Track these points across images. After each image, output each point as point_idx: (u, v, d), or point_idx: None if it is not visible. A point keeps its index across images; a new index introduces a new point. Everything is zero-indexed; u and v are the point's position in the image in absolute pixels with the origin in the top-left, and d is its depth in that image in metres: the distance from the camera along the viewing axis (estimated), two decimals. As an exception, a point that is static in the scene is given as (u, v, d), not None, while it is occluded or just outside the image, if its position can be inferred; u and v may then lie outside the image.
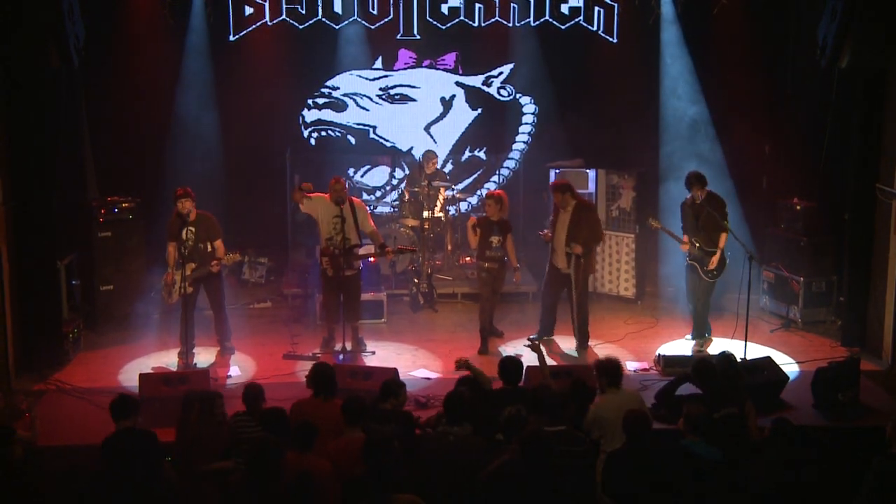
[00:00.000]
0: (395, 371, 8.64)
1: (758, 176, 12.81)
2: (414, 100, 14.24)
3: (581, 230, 9.96)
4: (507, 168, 14.52)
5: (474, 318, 10.71)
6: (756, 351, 9.97)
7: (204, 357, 10.02)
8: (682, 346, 10.42)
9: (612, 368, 7.31)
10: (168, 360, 9.91)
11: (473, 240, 10.24)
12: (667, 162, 12.54)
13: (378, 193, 14.32)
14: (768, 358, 9.22)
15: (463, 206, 13.80)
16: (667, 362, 9.62)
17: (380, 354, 10.19)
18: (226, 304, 10.22)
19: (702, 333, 10.47)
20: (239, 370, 9.71)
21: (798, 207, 11.56)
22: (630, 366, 9.76)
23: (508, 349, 10.43)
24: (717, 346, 10.26)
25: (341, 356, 9.94)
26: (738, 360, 8.71)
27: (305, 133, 14.10)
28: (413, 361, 10.03)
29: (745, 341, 9.62)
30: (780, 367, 9.09)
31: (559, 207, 10.11)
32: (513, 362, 7.57)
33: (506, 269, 10.46)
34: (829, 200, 11.26)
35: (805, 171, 11.76)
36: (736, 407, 7.11)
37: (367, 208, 10.52)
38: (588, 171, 12.48)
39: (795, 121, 12.29)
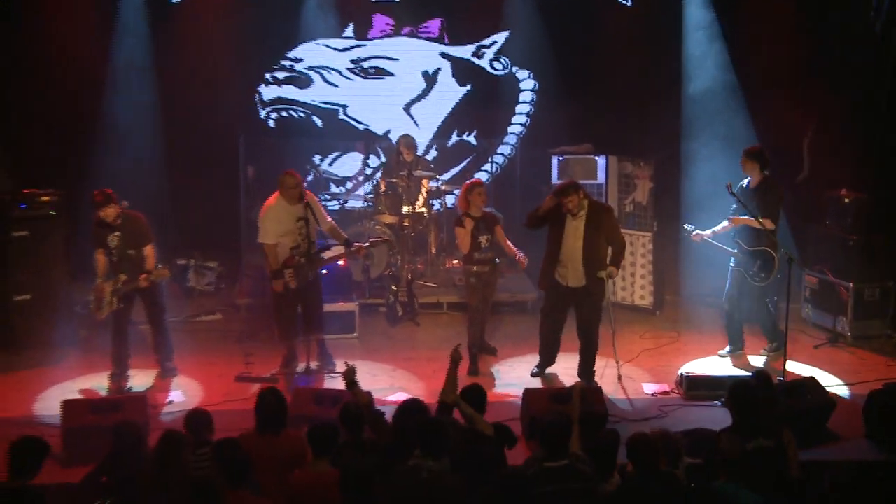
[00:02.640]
0: (368, 395, 8.53)
1: (798, 162, 12.80)
2: (392, 74, 14.21)
3: (601, 239, 9.50)
4: (502, 155, 14.49)
5: (462, 332, 10.60)
6: (797, 370, 9.91)
7: (140, 380, 9.91)
8: (716, 362, 10.40)
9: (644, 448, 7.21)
10: (97, 383, 9.79)
11: (466, 242, 10.12)
12: (690, 147, 12.51)
13: (349, 185, 14.26)
14: (812, 379, 9.18)
15: (449, 199, 13.71)
16: (690, 384, 9.56)
17: (350, 376, 10.08)
18: (166, 317, 10.12)
19: (774, 339, 10.45)
20: (182, 395, 9.61)
21: (846, 200, 11.53)
22: (647, 388, 9.72)
23: (504, 369, 10.34)
24: (747, 362, 10.24)
25: (305, 378, 9.85)
26: (776, 381, 8.66)
27: (263, 113, 14.05)
28: (390, 384, 9.94)
29: (784, 359, 9.57)
30: (826, 389, 9.04)
31: (569, 212, 9.49)
32: (474, 392, 7.49)
33: (498, 274, 10.38)
34: (883, 191, 11.26)
35: (855, 155, 11.76)
36: (772, 439, 7.02)
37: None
38: (598, 158, 12.45)
39: (843, 96, 12.27)
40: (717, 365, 10.36)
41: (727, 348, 10.62)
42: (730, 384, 7.44)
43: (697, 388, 9.50)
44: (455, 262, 12.98)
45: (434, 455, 6.42)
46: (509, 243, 10.34)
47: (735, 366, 10.30)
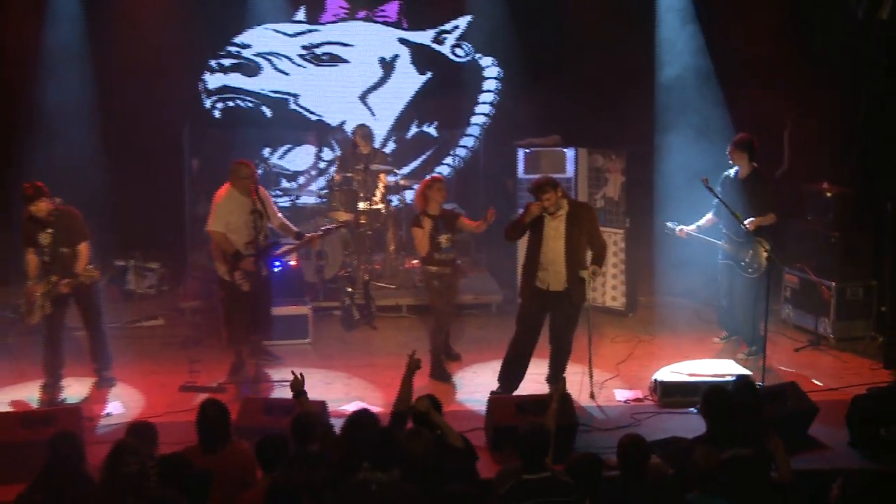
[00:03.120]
0: (322, 405, 8.50)
1: (778, 155, 12.87)
2: (346, 61, 14.18)
3: (582, 239, 9.38)
4: (465, 147, 14.50)
5: (423, 336, 10.58)
6: (777, 375, 9.96)
7: (75, 390, 9.80)
8: (693, 366, 10.43)
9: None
10: (28, 394, 9.68)
11: (424, 244, 10.07)
12: (664, 139, 12.55)
13: (301, 180, 14.21)
14: (792, 384, 9.21)
15: (408, 195, 13.67)
16: (665, 391, 9.59)
17: (305, 383, 10.00)
18: (103, 321, 10.02)
19: (753, 341, 10.56)
20: (121, 406, 9.51)
21: (828, 194, 11.60)
22: (619, 395, 9.72)
23: (467, 375, 10.32)
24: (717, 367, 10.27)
25: (254, 386, 9.79)
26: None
27: (208, 103, 13.98)
28: (346, 392, 9.89)
29: (764, 362, 9.62)
30: (807, 395, 9.09)
31: (545, 211, 9.31)
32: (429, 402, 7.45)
33: (460, 274, 10.34)
34: (867, 185, 11.33)
35: (837, 148, 11.83)
36: (750, 447, 7.05)
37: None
38: (566, 150, 12.46)
39: (824, 86, 12.36)
40: (693, 370, 10.38)
41: (724, 335, 10.96)
42: (704, 389, 7.48)
43: (672, 394, 9.52)
44: (415, 261, 12.93)
45: (383, 467, 6.41)
46: (474, 225, 10.29)
47: (716, 370, 10.31)
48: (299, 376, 7.63)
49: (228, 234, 9.79)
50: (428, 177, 10.40)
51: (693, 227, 10.65)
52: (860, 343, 11.24)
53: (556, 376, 9.46)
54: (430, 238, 10.00)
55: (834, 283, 11.27)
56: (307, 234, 10.19)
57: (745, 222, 10.11)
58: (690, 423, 8.44)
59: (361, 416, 7.12)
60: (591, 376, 9.74)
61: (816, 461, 8.36)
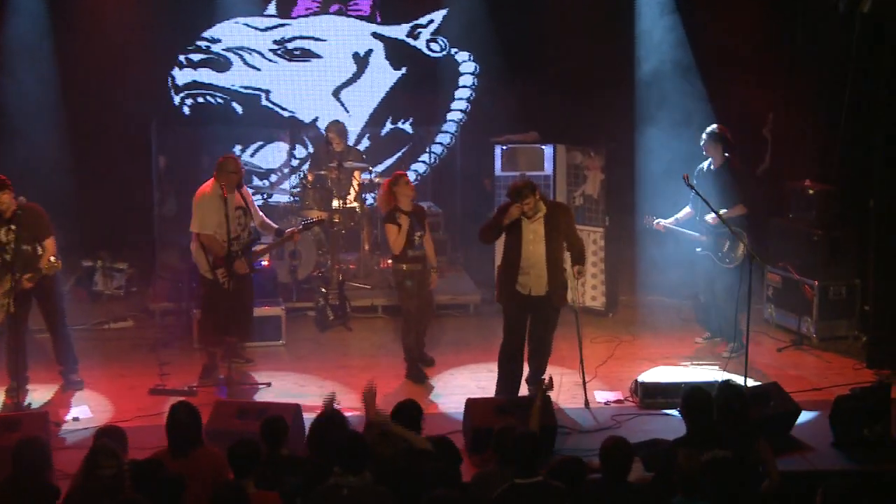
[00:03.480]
0: (296, 408, 8.50)
1: (759, 151, 12.93)
2: (319, 56, 14.17)
3: (561, 241, 9.36)
4: (441, 144, 14.50)
5: (399, 338, 10.59)
6: (759, 375, 10.01)
7: (41, 394, 9.76)
8: (674, 369, 10.46)
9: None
10: (-9, 398, 9.62)
11: (400, 242, 10.04)
12: (645, 135, 12.58)
13: (273, 178, 14.18)
14: (774, 384, 9.26)
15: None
16: (646, 392, 9.62)
17: (277, 386, 10.04)
18: (66, 322, 9.97)
19: (734, 338, 10.64)
20: (89, 410, 9.47)
21: (810, 192, 11.68)
22: (600, 396, 9.74)
23: (445, 377, 10.34)
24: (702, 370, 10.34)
25: (225, 388, 9.78)
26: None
27: (176, 99, 13.93)
28: (321, 395, 9.82)
29: (746, 363, 9.66)
30: (790, 395, 9.14)
31: (525, 215, 9.23)
32: (408, 407, 7.45)
33: (430, 272, 10.34)
34: (850, 182, 11.39)
35: (819, 144, 11.89)
36: (730, 449, 7.09)
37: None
38: (544, 147, 12.50)
39: (806, 82, 12.43)
40: (675, 371, 10.43)
41: (706, 335, 11.06)
42: (684, 390, 7.53)
43: (654, 395, 9.55)
44: (390, 261, 12.94)
45: (354, 470, 6.43)
46: (433, 252, 10.37)
47: (698, 372, 10.37)
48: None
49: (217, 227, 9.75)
50: (392, 175, 10.41)
51: (671, 220, 10.75)
52: (843, 343, 11.31)
53: (535, 377, 9.54)
54: (406, 235, 10.00)
55: (817, 282, 11.33)
56: (287, 230, 10.22)
57: (708, 217, 10.29)
58: (672, 425, 8.48)
59: (329, 419, 7.14)
60: (584, 383, 9.67)
61: (799, 462, 8.41)
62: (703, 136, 10.56)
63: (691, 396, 7.49)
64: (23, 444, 6.93)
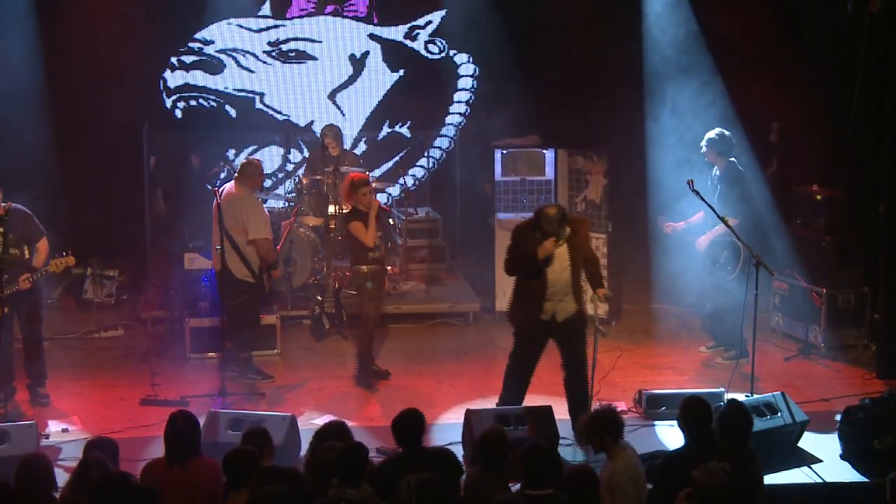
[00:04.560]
0: (291, 419, 8.54)
1: (766, 156, 12.96)
2: (314, 58, 14.19)
3: (581, 258, 8.95)
4: (439, 148, 14.53)
5: (397, 348, 10.70)
6: (766, 385, 10.05)
7: (28, 405, 9.73)
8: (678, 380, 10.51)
9: (613, 422, 7.35)
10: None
11: (371, 233, 10.12)
12: (651, 137, 12.59)
13: (268, 183, 14.18)
14: (781, 394, 9.29)
15: (381, 198, 13.71)
16: (651, 402, 9.66)
17: (272, 397, 10.09)
18: (42, 332, 9.96)
19: (736, 345, 10.68)
20: (79, 421, 9.48)
21: (818, 197, 11.68)
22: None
23: (444, 387, 10.38)
24: (710, 376, 10.33)
25: (220, 399, 9.82)
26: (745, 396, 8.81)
27: (168, 102, 13.94)
28: (316, 405, 9.93)
29: (752, 372, 9.69)
30: (797, 406, 9.17)
31: (553, 238, 8.77)
32: (409, 418, 7.41)
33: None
34: (859, 188, 11.42)
35: (827, 149, 11.92)
36: (729, 462, 7.10)
37: None
38: (545, 151, 12.52)
39: (814, 84, 12.47)
40: (679, 380, 10.48)
41: (710, 344, 11.13)
42: (682, 400, 7.55)
43: (658, 405, 9.58)
44: (390, 268, 12.98)
45: (351, 483, 6.46)
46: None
47: (705, 379, 10.40)
48: None
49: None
50: (351, 174, 10.61)
51: (682, 223, 10.79)
52: (852, 352, 11.34)
53: (583, 406, 9.05)
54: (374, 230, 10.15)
55: (825, 290, 11.36)
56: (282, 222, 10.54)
57: (699, 240, 10.51)
58: (677, 436, 8.51)
59: (331, 429, 7.18)
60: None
61: (807, 475, 8.43)
62: (702, 143, 10.61)
63: (690, 406, 7.51)
64: (27, 461, 6.92)
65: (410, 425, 7.38)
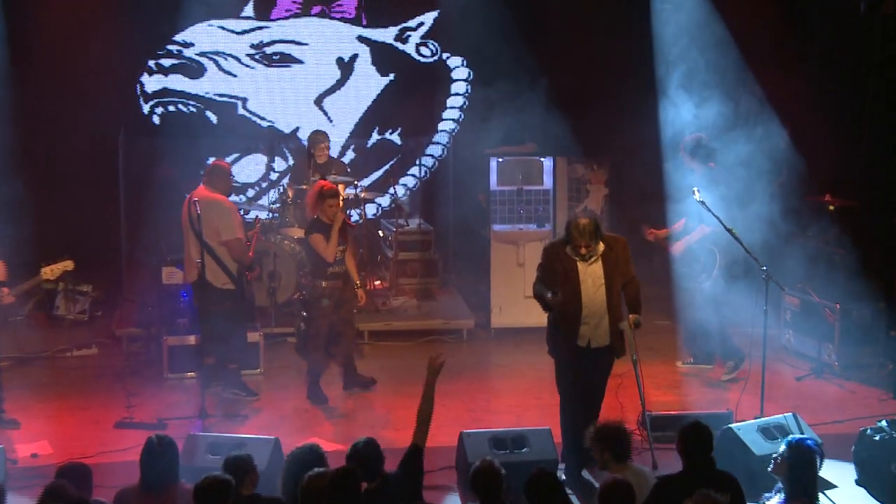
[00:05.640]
0: (275, 442, 8.49)
1: (775, 164, 12.95)
2: (300, 62, 14.21)
3: (619, 282, 8.68)
4: (431, 156, 14.54)
5: (386, 367, 10.66)
6: (776, 406, 10.01)
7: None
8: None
9: (617, 437, 7.34)
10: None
11: (331, 248, 10.15)
12: (655, 145, 12.57)
13: (250, 193, 14.18)
14: (793, 416, 9.26)
15: (370, 209, 13.72)
16: (655, 424, 9.61)
17: (254, 418, 10.06)
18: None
19: (732, 355, 10.82)
20: (49, 445, 9.44)
21: (831, 207, 11.71)
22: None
23: (437, 409, 10.31)
24: (716, 398, 10.33)
25: (200, 422, 9.77)
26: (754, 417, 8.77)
27: (146, 108, 13.96)
28: (302, 426, 9.89)
29: (762, 393, 9.66)
30: (810, 428, 9.14)
31: (582, 258, 8.57)
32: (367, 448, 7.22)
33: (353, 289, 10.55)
34: (873, 198, 11.42)
35: (841, 157, 11.92)
36: (728, 494, 7.05)
37: None
38: (543, 159, 12.50)
39: (825, 89, 12.48)
40: (684, 402, 10.45)
41: (688, 360, 11.29)
42: (682, 424, 7.46)
43: (662, 428, 9.53)
44: (378, 282, 12.97)
45: None
46: (356, 269, 10.71)
47: (713, 400, 10.38)
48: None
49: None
50: (320, 182, 10.63)
51: (664, 231, 10.88)
52: (868, 371, 11.31)
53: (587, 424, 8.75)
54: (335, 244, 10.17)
55: (838, 305, 11.33)
56: (248, 232, 10.58)
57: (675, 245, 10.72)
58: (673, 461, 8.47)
59: (306, 453, 7.10)
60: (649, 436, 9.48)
61: (821, 501, 8.39)
62: (681, 147, 10.77)
63: (689, 432, 7.43)
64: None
65: (370, 454, 7.17)
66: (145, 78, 13.90)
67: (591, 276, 8.56)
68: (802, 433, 8.97)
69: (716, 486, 6.89)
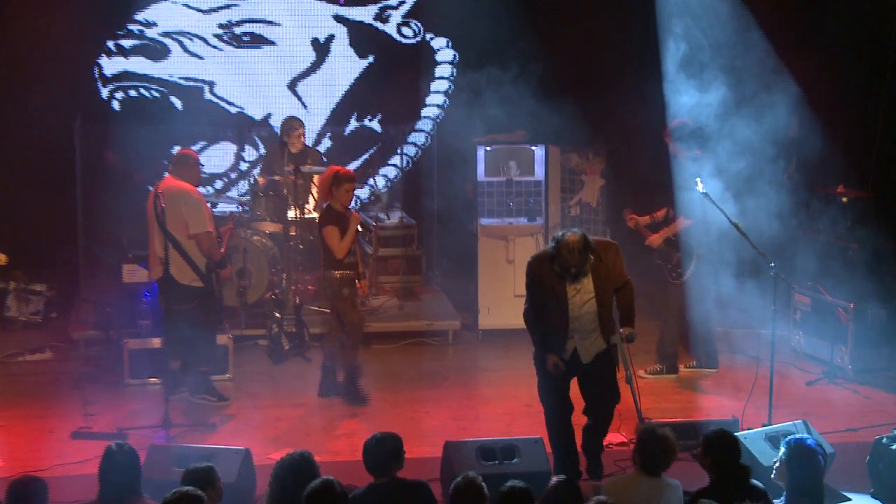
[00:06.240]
0: (245, 453, 8.48)
1: (784, 153, 12.98)
2: (272, 42, 14.21)
3: (610, 292, 8.71)
4: (414, 145, 14.56)
5: (366, 371, 10.66)
6: (785, 413, 10.04)
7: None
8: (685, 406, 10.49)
9: (653, 448, 7.26)
10: None
11: (346, 243, 10.25)
12: (657, 135, 12.60)
13: (218, 184, 14.18)
14: (803, 423, 9.29)
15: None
16: (656, 433, 9.63)
17: (223, 428, 10.03)
18: None
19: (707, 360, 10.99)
20: None
21: (844, 200, 11.74)
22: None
23: (419, 416, 10.33)
24: (720, 404, 10.38)
25: (163, 431, 9.76)
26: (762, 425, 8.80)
27: (104, 92, 13.95)
28: (274, 437, 9.88)
29: (770, 399, 9.69)
30: (822, 436, 9.16)
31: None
32: (384, 443, 7.38)
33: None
34: (888, 188, 11.45)
35: (853, 146, 11.95)
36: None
37: None
38: (534, 148, 12.53)
39: (838, 75, 12.51)
40: (686, 408, 10.48)
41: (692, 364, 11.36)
42: (706, 434, 7.47)
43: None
44: (360, 281, 12.94)
45: None
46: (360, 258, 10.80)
47: (710, 406, 10.42)
48: None
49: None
50: (335, 167, 10.59)
51: (646, 217, 11.02)
52: (884, 375, 11.35)
53: (596, 449, 9.14)
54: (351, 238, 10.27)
55: (852, 305, 11.38)
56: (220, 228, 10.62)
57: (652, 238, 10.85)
58: (684, 471, 8.48)
59: (296, 463, 7.11)
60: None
61: (834, 514, 8.44)
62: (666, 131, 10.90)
63: (715, 441, 7.43)
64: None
65: (385, 451, 7.33)
66: (104, 60, 13.88)
67: (580, 290, 8.57)
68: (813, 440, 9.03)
69: (750, 497, 6.95)
